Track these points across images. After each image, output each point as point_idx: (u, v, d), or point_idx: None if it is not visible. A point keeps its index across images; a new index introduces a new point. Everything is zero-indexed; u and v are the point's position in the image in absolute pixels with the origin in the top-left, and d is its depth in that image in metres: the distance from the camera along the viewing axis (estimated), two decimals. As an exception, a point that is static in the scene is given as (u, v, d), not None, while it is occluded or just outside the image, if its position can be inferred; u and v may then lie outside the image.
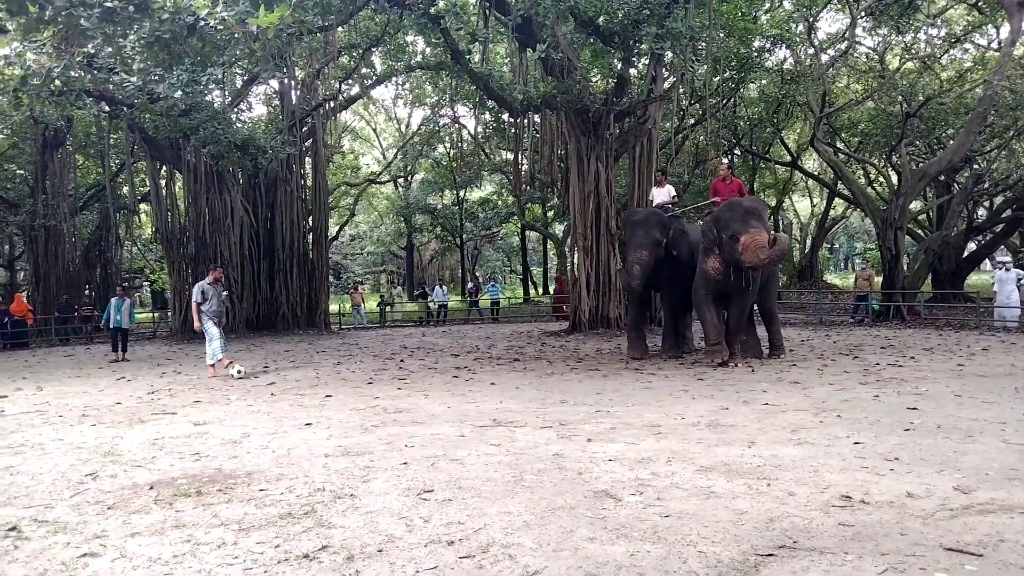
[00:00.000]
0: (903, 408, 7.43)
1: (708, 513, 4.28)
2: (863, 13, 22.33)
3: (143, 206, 29.30)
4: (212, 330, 11.93)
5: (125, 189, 27.18)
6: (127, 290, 18.57)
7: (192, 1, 8.27)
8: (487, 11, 17.56)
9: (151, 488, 5.13)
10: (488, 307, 28.88)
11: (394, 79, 27.82)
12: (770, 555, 3.61)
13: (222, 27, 8.30)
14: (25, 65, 10.45)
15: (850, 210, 36.26)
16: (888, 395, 8.28)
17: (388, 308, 28.17)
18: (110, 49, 11.44)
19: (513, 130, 23.44)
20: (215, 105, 18.81)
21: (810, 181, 35.27)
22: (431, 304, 27.96)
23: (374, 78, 25.71)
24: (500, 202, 39.14)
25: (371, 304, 30.99)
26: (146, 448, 6.50)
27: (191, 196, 21.66)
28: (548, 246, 42.20)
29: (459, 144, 34.02)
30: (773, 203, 33.59)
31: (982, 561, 3.49)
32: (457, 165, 34.80)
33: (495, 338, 18.48)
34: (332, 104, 23.88)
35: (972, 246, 26.76)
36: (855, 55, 25.39)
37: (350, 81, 24.89)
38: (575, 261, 20.10)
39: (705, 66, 19.55)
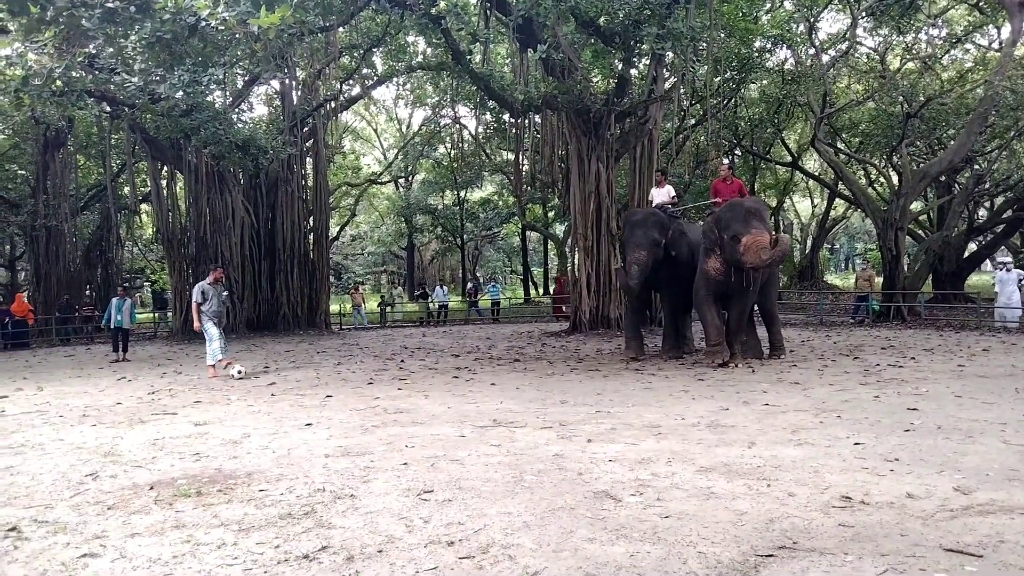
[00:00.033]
0: (903, 409, 7.42)
1: (708, 514, 4.28)
2: (864, 13, 22.32)
3: (144, 206, 29.31)
4: (212, 330, 11.94)
5: (126, 189, 27.17)
6: (128, 290, 18.57)
7: (193, 2, 8.28)
8: (488, 11, 17.57)
9: (151, 488, 5.14)
10: (488, 307, 28.87)
11: (395, 79, 27.85)
12: (770, 556, 3.62)
13: (223, 27, 8.31)
14: (26, 65, 10.46)
15: (851, 210, 36.25)
16: (888, 396, 8.28)
17: (389, 308, 28.17)
18: (111, 49, 11.46)
19: (514, 130, 23.43)
20: (216, 105, 18.82)
21: (811, 181, 35.26)
22: (431, 304, 27.97)
23: (375, 78, 25.71)
24: (501, 202, 39.14)
25: (372, 304, 31.00)
26: (146, 448, 6.50)
27: (192, 196, 21.67)
28: (549, 246, 42.20)
29: (460, 144, 34.03)
30: (774, 203, 33.57)
31: (982, 562, 3.50)
32: (458, 165, 34.80)
33: (495, 338, 18.49)
34: (333, 104, 23.89)
35: (973, 247, 26.76)
36: (856, 55, 25.37)
37: (351, 81, 24.90)
38: (576, 261, 20.10)
39: (706, 66, 19.54)
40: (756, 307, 12.82)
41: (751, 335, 12.63)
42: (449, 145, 35.98)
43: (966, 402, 7.72)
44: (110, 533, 4.22)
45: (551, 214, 35.94)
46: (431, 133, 34.56)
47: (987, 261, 29.89)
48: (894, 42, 24.80)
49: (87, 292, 26.34)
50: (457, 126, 33.27)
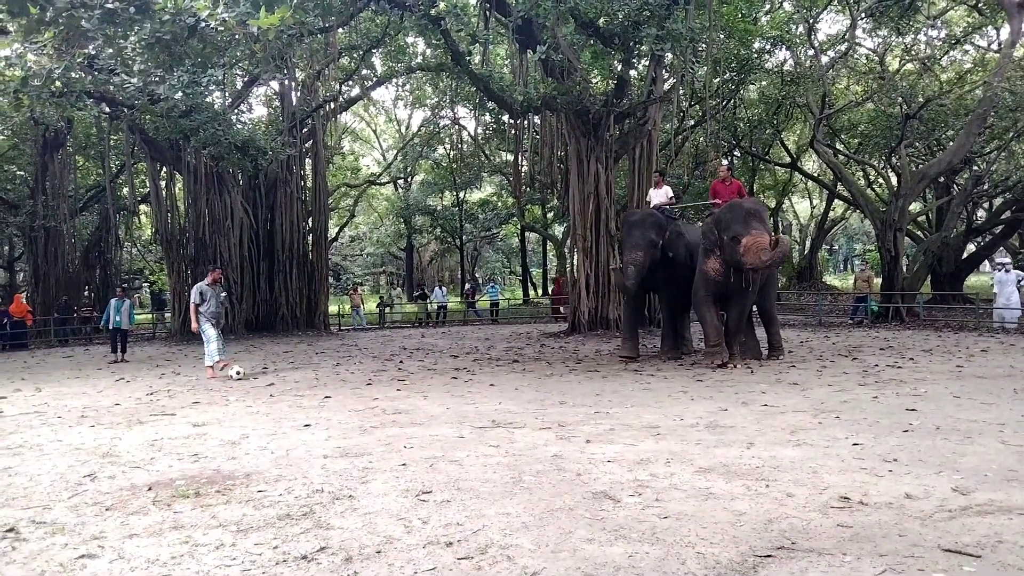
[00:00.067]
0: (902, 409, 7.43)
1: (707, 514, 4.28)
2: (863, 14, 22.34)
3: (143, 207, 29.28)
4: (209, 332, 11.92)
5: (125, 190, 27.17)
6: (127, 291, 18.57)
7: (193, 2, 8.28)
8: (488, 12, 17.57)
9: (149, 489, 5.13)
10: (486, 308, 28.87)
11: (394, 80, 27.85)
12: (768, 556, 3.62)
13: (223, 28, 8.31)
14: (26, 66, 10.46)
15: (849, 211, 36.27)
16: (887, 396, 8.29)
17: (388, 309, 28.17)
18: (111, 50, 11.43)
19: (513, 131, 23.44)
20: (215, 106, 18.83)
21: (810, 182, 35.28)
22: (430, 305, 27.97)
23: (374, 79, 25.71)
24: (500, 203, 39.15)
25: (370, 305, 31.00)
26: (145, 449, 6.50)
27: (191, 197, 21.67)
28: (548, 247, 42.21)
29: (459, 145, 34.03)
30: (773, 204, 33.58)
31: (980, 562, 3.50)
32: (457, 166, 34.80)
33: (494, 339, 18.48)
34: (332, 105, 23.89)
35: (971, 247, 26.76)
36: (855, 56, 25.40)
37: (350, 82, 24.90)
38: (575, 262, 20.10)
39: (705, 67, 19.56)
40: (755, 308, 12.83)
41: (750, 336, 12.64)
42: (448, 146, 35.98)
43: (964, 403, 7.73)
44: (108, 534, 4.22)
45: (550, 215, 35.97)
46: (430, 134, 34.56)
47: (986, 262, 29.89)
48: (893, 43, 24.83)
49: (86, 293, 26.34)
50: (456, 127, 33.28)
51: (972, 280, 29.35)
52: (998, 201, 26.61)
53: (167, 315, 25.53)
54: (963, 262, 25.18)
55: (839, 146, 26.74)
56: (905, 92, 21.91)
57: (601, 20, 16.33)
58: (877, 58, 25.37)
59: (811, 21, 23.15)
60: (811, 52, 23.95)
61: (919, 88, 22.56)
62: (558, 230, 37.56)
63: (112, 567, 3.73)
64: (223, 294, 12.42)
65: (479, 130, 31.79)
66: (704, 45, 17.93)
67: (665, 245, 12.35)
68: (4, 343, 19.99)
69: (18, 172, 26.29)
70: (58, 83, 11.13)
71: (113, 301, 15.66)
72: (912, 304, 20.27)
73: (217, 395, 9.93)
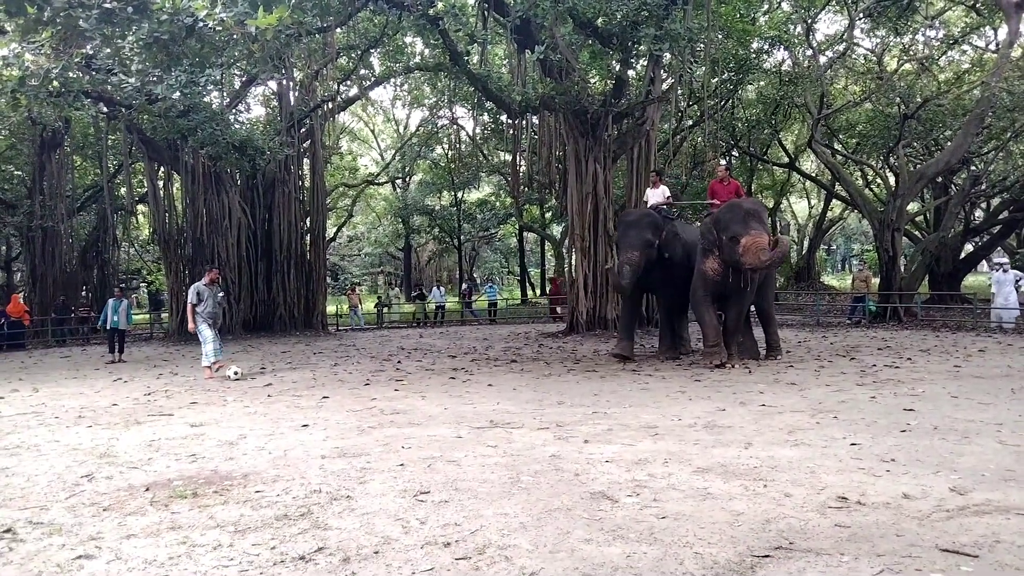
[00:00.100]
0: (900, 409, 7.43)
1: (705, 514, 4.28)
2: (861, 15, 22.37)
3: (141, 207, 29.23)
4: (205, 333, 11.88)
5: (123, 190, 27.12)
6: (125, 291, 18.55)
7: (191, 2, 8.27)
8: (486, 12, 17.56)
9: (147, 490, 5.13)
10: (483, 309, 28.86)
11: (393, 80, 27.84)
12: (766, 556, 3.62)
13: (221, 28, 8.29)
14: (23, 66, 10.43)
15: (848, 211, 36.30)
16: (885, 396, 8.29)
17: (386, 309, 28.16)
18: (108, 50, 11.41)
19: (511, 131, 23.42)
20: (213, 106, 18.81)
21: (808, 182, 35.30)
22: (427, 305, 27.96)
23: (373, 79, 25.71)
24: (498, 203, 39.15)
25: (368, 305, 30.99)
26: (142, 450, 6.49)
27: (189, 197, 21.65)
28: (546, 247, 42.21)
29: (457, 145, 34.02)
30: (771, 204, 33.61)
31: (978, 562, 3.50)
32: (455, 166, 34.80)
33: (492, 339, 18.48)
34: (330, 105, 23.88)
35: (969, 247, 26.78)
36: (853, 56, 25.43)
37: (348, 82, 24.88)
38: (573, 262, 20.10)
39: (703, 67, 19.58)
40: (753, 308, 12.83)
41: (747, 336, 12.64)
42: (446, 146, 35.97)
43: (962, 403, 7.73)
44: (105, 534, 4.21)
45: (548, 215, 35.95)
46: (428, 134, 34.56)
47: (983, 262, 29.91)
48: (891, 43, 24.86)
49: (83, 293, 26.31)
50: (454, 127, 33.26)
51: (970, 280, 29.37)
52: (996, 201, 26.63)
53: (163, 315, 25.54)
54: (961, 262, 25.20)
55: (837, 146, 26.77)
56: (903, 92, 21.93)
57: (599, 20, 16.33)
58: (875, 58, 25.40)
59: (809, 21, 23.18)
60: (809, 52, 23.98)
61: (917, 88, 22.58)
62: (556, 230, 37.54)
63: (109, 568, 3.73)
64: (220, 294, 12.40)
65: (477, 130, 31.76)
66: (702, 45, 17.94)
67: (661, 245, 12.32)
68: (1, 343, 19.97)
69: (15, 172, 26.26)
70: (56, 83, 11.09)
71: (111, 301, 15.64)
72: (910, 304, 20.29)
73: (215, 395, 9.92)
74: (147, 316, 28.00)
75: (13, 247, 29.64)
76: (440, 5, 14.82)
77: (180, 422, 7.86)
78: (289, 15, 7.90)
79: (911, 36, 24.44)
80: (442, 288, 30.12)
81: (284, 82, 22.82)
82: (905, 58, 24.98)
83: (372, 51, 22.89)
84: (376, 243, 46.89)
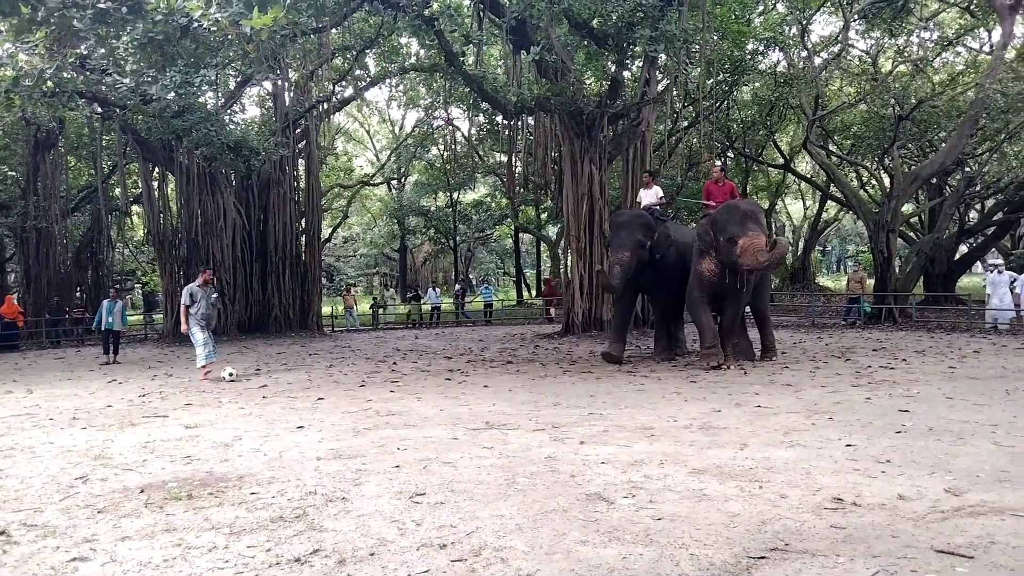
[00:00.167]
0: (895, 410, 7.45)
1: (700, 516, 4.28)
2: (856, 16, 22.42)
3: (135, 208, 29.18)
4: (197, 336, 11.81)
5: (117, 191, 27.03)
6: (120, 292, 18.48)
7: (185, 3, 8.25)
8: (481, 13, 17.57)
9: (142, 491, 5.11)
10: (478, 310, 28.84)
11: (388, 81, 27.81)
12: (762, 557, 3.62)
13: (215, 28, 8.29)
14: (17, 66, 10.42)
15: (842, 212, 36.38)
16: (880, 397, 8.31)
17: (381, 310, 28.13)
18: (103, 50, 11.40)
19: (507, 132, 23.45)
20: (208, 107, 18.76)
21: (803, 183, 35.38)
22: (423, 306, 27.95)
23: (368, 80, 25.68)
24: (494, 204, 39.15)
25: (364, 307, 30.96)
26: (137, 451, 6.47)
27: (183, 198, 21.60)
28: (541, 248, 42.23)
29: (453, 146, 34.04)
30: (766, 206, 33.65)
31: (973, 563, 3.51)
32: (451, 167, 34.80)
33: (488, 340, 18.47)
34: (326, 106, 23.84)
35: (964, 248, 26.87)
36: (848, 58, 25.49)
37: (344, 83, 24.86)
38: (568, 263, 20.10)
39: (698, 69, 19.59)
40: (748, 308, 12.84)
41: (742, 337, 12.64)
42: (442, 147, 35.99)
43: (957, 404, 7.75)
44: (100, 537, 4.20)
45: (544, 216, 35.99)
46: (424, 135, 34.54)
47: (978, 263, 29.99)
48: (886, 45, 24.94)
49: (77, 294, 26.23)
50: (450, 128, 33.27)
51: (964, 281, 29.44)
52: (990, 202, 26.71)
53: (155, 316, 25.49)
54: (955, 263, 25.28)
55: (832, 147, 26.82)
56: (898, 94, 21.98)
57: (595, 21, 16.34)
58: (870, 60, 25.48)
59: (804, 23, 23.23)
60: (804, 53, 24.03)
61: (912, 90, 22.63)
62: (552, 231, 37.59)
63: (104, 570, 3.71)
64: (214, 295, 12.33)
65: (473, 131, 31.84)
66: (697, 46, 17.95)
67: (653, 246, 12.29)
68: (-5, 344, 19.88)
69: (9, 172, 26.14)
70: (50, 83, 11.08)
71: (105, 302, 15.58)
72: (905, 305, 20.34)
73: (210, 397, 9.90)
74: (140, 317, 27.92)
75: (7, 248, 29.51)
76: (435, 6, 14.81)
77: (175, 423, 7.84)
78: (284, 15, 7.89)
79: (906, 38, 24.52)
80: (437, 289, 30.11)
81: (279, 83, 22.78)
82: (900, 60, 25.04)
83: (367, 52, 22.86)
84: (371, 244, 46.87)
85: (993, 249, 26.99)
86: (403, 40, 23.46)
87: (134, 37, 8.63)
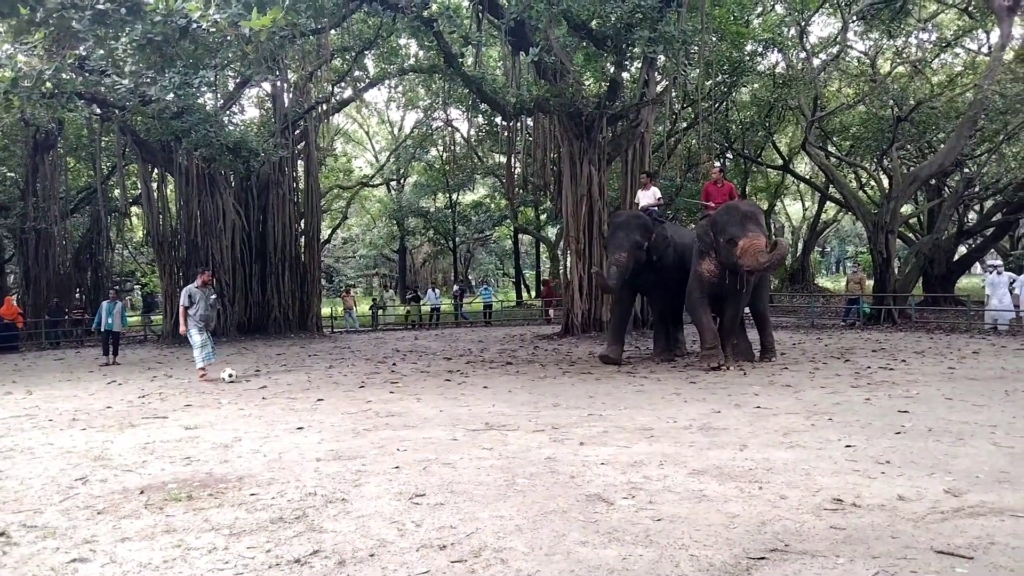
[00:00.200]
0: (894, 411, 7.45)
1: (700, 516, 4.28)
2: (855, 17, 22.44)
3: (134, 209, 29.17)
4: (195, 338, 11.79)
5: (116, 192, 27.02)
6: (119, 293, 18.47)
7: (184, 3, 8.25)
8: (480, 14, 17.57)
9: (141, 493, 5.11)
10: (477, 311, 28.84)
11: (387, 82, 27.82)
12: (762, 558, 3.62)
13: (214, 30, 8.28)
14: (16, 67, 10.40)
15: (841, 213, 36.39)
16: (879, 398, 8.31)
17: (381, 311, 28.12)
18: (102, 51, 11.39)
19: (506, 133, 23.44)
20: (207, 108, 18.76)
21: (802, 185, 35.40)
22: (422, 307, 27.95)
23: (367, 81, 25.68)
24: (493, 205, 39.15)
25: (363, 308, 30.95)
26: (137, 452, 6.47)
27: (183, 199, 21.59)
28: (541, 249, 42.24)
29: (452, 147, 34.03)
30: (765, 207, 33.67)
31: (973, 564, 3.51)
32: (450, 168, 34.79)
33: (487, 341, 18.47)
34: (325, 107, 23.84)
35: (963, 249, 26.87)
36: (847, 59, 25.51)
37: (343, 84, 24.86)
38: (568, 264, 20.10)
39: (697, 70, 19.60)
40: (747, 309, 12.84)
41: (741, 338, 12.64)
42: (441, 148, 35.99)
43: (956, 404, 7.76)
44: (100, 538, 4.20)
45: (543, 217, 35.99)
46: (423, 136, 34.55)
47: (977, 264, 30.02)
48: (884, 46, 24.95)
49: (77, 295, 26.21)
50: (449, 129, 33.26)
51: (963, 282, 29.47)
52: (989, 203, 26.73)
53: (153, 318, 25.47)
54: (954, 264, 25.29)
55: (831, 148, 26.83)
56: (896, 95, 21.99)
57: (594, 22, 16.35)
58: (868, 61, 25.49)
59: (803, 24, 23.23)
60: (803, 55, 24.03)
61: (910, 91, 22.65)
62: (551, 232, 37.60)
63: (104, 571, 3.71)
64: (213, 296, 12.31)
65: (472, 132, 31.82)
66: (696, 47, 17.97)
67: (651, 247, 12.28)
68: (-6, 345, 19.87)
69: (8, 174, 26.14)
70: (49, 84, 11.07)
71: (105, 303, 15.57)
72: (904, 306, 20.35)
73: (209, 398, 9.90)
74: (138, 318, 27.90)
75: (6, 249, 29.51)
76: (435, 7, 14.84)
77: (175, 425, 7.84)
78: (283, 17, 7.89)
79: (904, 39, 24.54)
80: (437, 290, 30.11)
81: (278, 84, 22.77)
82: (898, 61, 25.07)
83: (366, 53, 22.87)
84: (371, 245, 46.86)
85: (992, 250, 27.01)
86: (402, 41, 23.50)
87: (133, 38, 8.62)
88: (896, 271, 21.50)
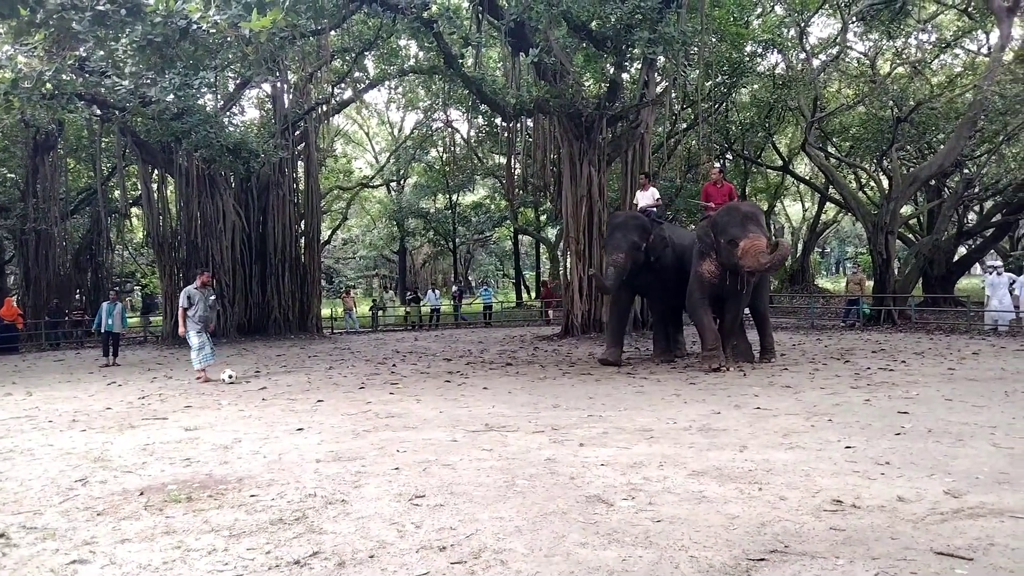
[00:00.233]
0: (894, 412, 7.45)
1: (700, 518, 4.28)
2: (854, 18, 22.45)
3: (134, 210, 29.17)
4: (193, 340, 11.77)
5: (116, 193, 27.03)
6: (120, 294, 18.47)
7: (184, 5, 8.26)
8: (480, 15, 17.58)
9: (141, 494, 5.11)
10: (474, 312, 28.83)
11: (387, 83, 27.84)
12: (762, 560, 3.62)
13: (214, 31, 8.28)
14: (16, 68, 10.40)
15: (841, 214, 36.40)
16: (879, 399, 8.31)
17: (381, 312, 28.12)
18: (102, 52, 11.40)
19: (506, 134, 23.45)
20: (207, 109, 18.78)
21: (802, 185, 35.39)
22: (422, 308, 27.95)
23: (367, 82, 25.71)
24: (493, 206, 39.16)
25: (363, 308, 30.95)
26: (136, 454, 6.47)
27: (183, 200, 21.61)
28: (541, 250, 42.25)
29: (452, 148, 34.05)
30: (765, 207, 33.66)
31: (972, 565, 3.51)
32: (450, 169, 34.81)
33: (487, 342, 18.47)
34: (325, 108, 23.86)
35: (962, 250, 26.88)
36: (846, 60, 25.53)
37: (343, 85, 24.87)
38: (567, 265, 20.11)
39: (697, 71, 19.62)
40: (747, 310, 12.84)
41: (741, 338, 12.64)
42: (441, 149, 36.02)
43: (956, 405, 7.75)
44: (100, 539, 4.20)
45: (543, 218, 36.00)
46: (423, 137, 34.57)
47: (977, 265, 30.01)
48: (884, 47, 24.95)
49: (77, 296, 26.21)
50: (449, 130, 33.28)
51: (963, 283, 29.46)
52: (989, 204, 26.72)
53: (152, 319, 25.47)
54: (954, 265, 25.29)
55: (831, 149, 26.84)
56: (896, 95, 22.00)
57: (593, 23, 16.36)
58: (868, 62, 25.51)
59: (802, 25, 23.24)
60: (803, 55, 24.05)
61: (910, 91, 22.66)
62: (551, 233, 37.60)
63: (104, 572, 3.71)
64: (212, 297, 12.30)
65: (472, 133, 31.85)
66: (696, 48, 17.99)
67: (649, 248, 12.27)
68: (-6, 347, 19.86)
69: (8, 175, 26.14)
70: (49, 85, 11.07)
71: (105, 304, 15.58)
72: (904, 307, 20.35)
73: (209, 399, 9.89)
74: (138, 319, 27.90)
75: (6, 250, 29.52)
76: (434, 8, 14.84)
77: (174, 426, 7.84)
78: (283, 18, 7.90)
79: (904, 40, 24.54)
80: (437, 291, 30.11)
81: (278, 85, 22.80)
82: (898, 62, 25.07)
83: (366, 54, 22.89)
84: (371, 246, 46.86)
85: (992, 251, 27.00)
86: (402, 42, 23.52)
87: (133, 39, 8.62)
88: (896, 272, 21.51)
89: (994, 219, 24.82)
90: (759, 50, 22.77)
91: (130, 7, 8.13)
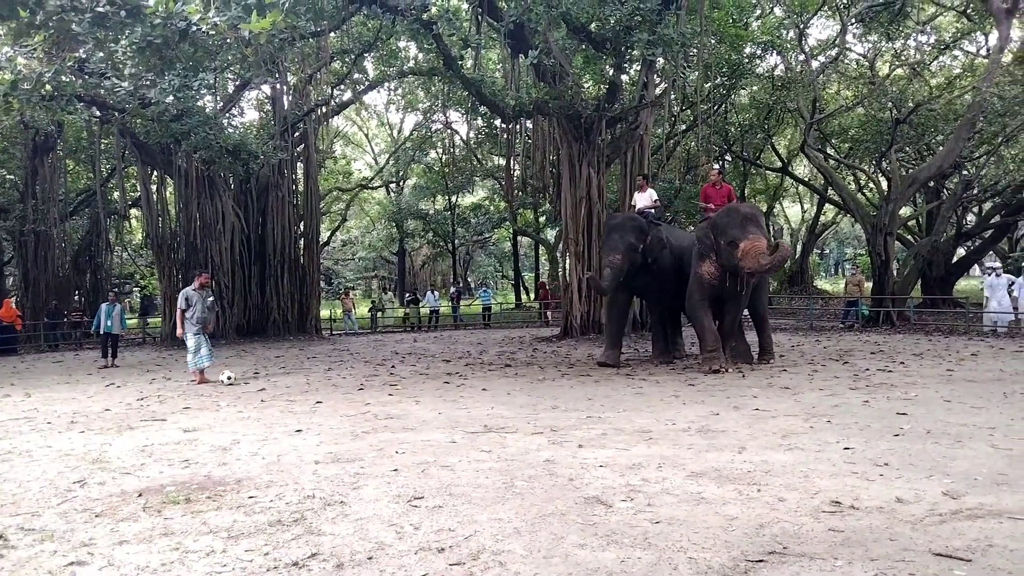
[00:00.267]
0: (893, 413, 7.45)
1: (698, 519, 4.28)
2: (853, 20, 22.47)
3: (134, 211, 29.19)
4: (190, 342, 11.74)
5: (116, 194, 27.05)
6: (119, 296, 18.46)
7: (184, 6, 8.26)
8: (479, 17, 17.58)
9: (140, 495, 5.11)
10: (473, 313, 28.82)
11: (386, 84, 27.86)
12: (760, 561, 3.62)
13: (214, 32, 8.28)
14: (16, 70, 10.41)
15: (840, 216, 36.43)
16: (878, 400, 8.31)
17: (380, 314, 28.12)
18: (101, 54, 11.42)
19: (505, 136, 23.48)
20: (207, 110, 18.78)
21: (801, 187, 35.41)
22: (421, 309, 27.95)
23: (366, 83, 25.71)
24: (492, 207, 39.19)
25: (362, 310, 30.94)
26: (135, 455, 6.47)
27: (182, 201, 21.60)
28: (540, 251, 42.26)
29: (451, 149, 34.10)
30: (764, 209, 33.69)
31: (971, 566, 3.51)
32: (449, 170, 34.84)
33: (486, 344, 18.47)
34: (324, 109, 23.87)
35: (961, 252, 26.90)
36: (845, 61, 25.56)
37: (342, 86, 24.89)
38: (567, 266, 20.11)
39: (696, 72, 19.64)
40: (746, 311, 12.84)
41: (740, 340, 12.63)
42: (440, 150, 36.04)
43: (955, 406, 7.76)
44: (98, 541, 4.19)
45: (542, 219, 36.01)
46: (422, 138, 34.60)
47: (976, 266, 30.04)
48: (883, 48, 24.99)
49: (76, 297, 26.19)
50: (448, 131, 33.33)
51: (962, 284, 29.48)
52: (987, 205, 26.74)
53: (150, 321, 25.47)
54: (953, 266, 25.31)
55: (830, 150, 26.86)
56: (895, 97, 22.03)
57: (593, 25, 16.37)
58: (867, 63, 25.55)
59: (801, 26, 23.27)
60: (802, 57, 24.07)
61: (909, 93, 22.68)
62: (550, 234, 37.62)
63: (102, 574, 3.71)
64: (210, 299, 12.28)
65: (471, 134, 31.88)
66: (695, 50, 18.00)
67: (646, 249, 12.25)
68: (-7, 348, 19.85)
69: (8, 176, 26.13)
70: (48, 87, 11.07)
71: (104, 306, 15.57)
72: (903, 308, 20.36)
73: (208, 400, 9.89)
74: (136, 321, 27.89)
75: (5, 251, 29.51)
76: (434, 10, 14.82)
77: (173, 427, 7.84)
78: (282, 19, 7.90)
79: (903, 41, 24.58)
80: (436, 292, 30.11)
81: (277, 86, 22.80)
82: (897, 63, 25.10)
83: (366, 55, 22.89)
84: (370, 247, 46.87)
85: (991, 252, 27.03)
86: (401, 44, 23.54)
87: (132, 41, 8.63)
88: (895, 273, 21.52)
89: (993, 220, 24.84)
90: (758, 52, 22.80)
91: (130, 9, 8.14)
